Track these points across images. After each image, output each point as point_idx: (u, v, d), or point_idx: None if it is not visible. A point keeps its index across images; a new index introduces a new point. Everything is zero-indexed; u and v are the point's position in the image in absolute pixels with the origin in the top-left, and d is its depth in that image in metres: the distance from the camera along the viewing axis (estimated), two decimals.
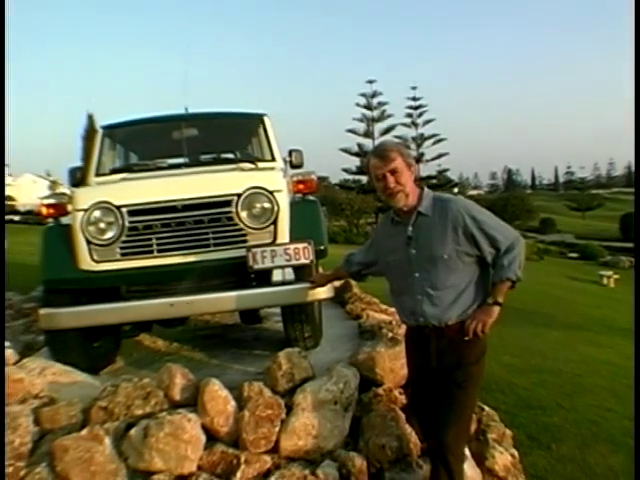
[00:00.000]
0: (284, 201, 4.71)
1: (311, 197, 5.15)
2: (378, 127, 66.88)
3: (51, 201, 4.99)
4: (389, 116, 67.27)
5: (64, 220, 4.86)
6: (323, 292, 4.60)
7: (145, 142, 6.97)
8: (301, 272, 4.60)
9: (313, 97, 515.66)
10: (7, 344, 4.94)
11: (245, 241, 4.61)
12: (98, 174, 5.83)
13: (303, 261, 4.44)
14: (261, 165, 5.65)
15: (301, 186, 5.12)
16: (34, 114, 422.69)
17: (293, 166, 6.00)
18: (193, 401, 3.93)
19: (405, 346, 3.81)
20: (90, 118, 56.18)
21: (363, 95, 67.18)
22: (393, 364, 4.36)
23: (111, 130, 6.34)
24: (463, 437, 3.46)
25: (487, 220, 3.32)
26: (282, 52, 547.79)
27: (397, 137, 65.54)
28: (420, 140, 69.12)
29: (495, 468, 4.08)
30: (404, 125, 69.64)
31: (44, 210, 4.93)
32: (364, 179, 59.99)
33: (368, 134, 66.62)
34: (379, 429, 3.95)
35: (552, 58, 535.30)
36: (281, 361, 4.11)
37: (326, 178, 72.64)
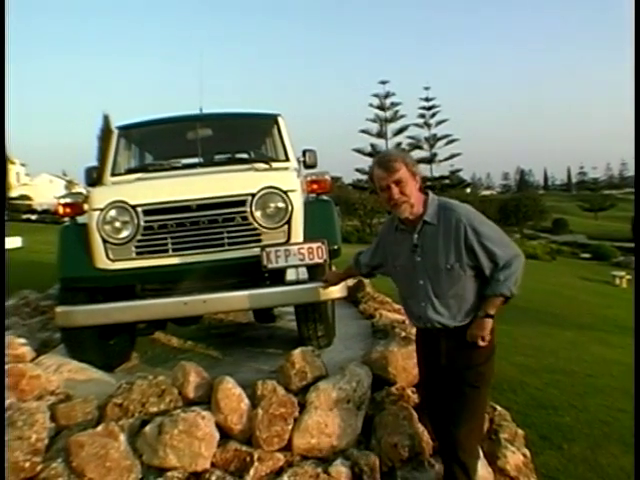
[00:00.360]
0: (298, 201, 4.74)
1: (325, 197, 5.17)
2: (391, 127, 67.05)
3: (67, 200, 5.04)
4: (402, 116, 67.46)
5: (80, 219, 4.91)
6: (336, 291, 4.62)
7: (160, 142, 7.01)
8: (315, 271, 4.62)
9: (327, 97, 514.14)
10: (24, 341, 4.98)
11: (259, 240, 4.63)
12: (114, 174, 5.87)
13: (317, 260, 4.46)
14: (275, 165, 5.67)
15: (315, 186, 5.14)
16: (51, 115, 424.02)
17: (307, 166, 6.01)
18: (207, 399, 3.97)
19: (415, 345, 3.83)
20: (106, 118, 56.50)
21: (376, 96, 67.30)
22: (406, 363, 4.37)
23: (126, 130, 6.39)
24: (476, 435, 3.47)
25: (489, 233, 3.28)
26: (297, 52, 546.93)
27: (410, 137, 65.71)
28: (433, 140, 69.12)
29: (507, 468, 4.07)
30: (417, 125, 69.61)
31: (61, 209, 4.99)
32: None
33: (381, 134, 66.85)
34: (391, 428, 3.97)
35: (565, 57, 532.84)
36: (294, 360, 4.13)
37: (339, 178, 72.54)
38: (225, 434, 3.84)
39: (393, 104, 67.22)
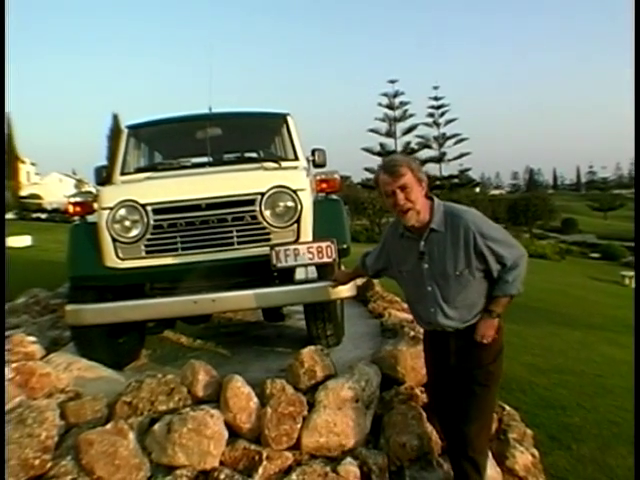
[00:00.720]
0: (307, 200, 4.74)
1: (334, 196, 5.17)
2: (400, 126, 66.86)
3: (77, 199, 5.07)
4: (411, 115, 67.26)
5: (90, 218, 4.93)
6: (345, 290, 4.62)
7: (169, 141, 7.04)
8: (324, 271, 4.63)
9: (336, 96, 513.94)
10: (34, 339, 4.99)
11: (268, 239, 4.64)
12: (123, 173, 5.90)
13: (326, 260, 4.45)
14: (284, 164, 5.68)
15: (324, 185, 5.15)
16: (61, 114, 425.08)
17: (316, 165, 6.01)
18: (216, 397, 3.98)
19: (423, 345, 3.84)
20: (115, 118, 56.77)
21: (385, 95, 67.16)
22: (415, 362, 4.37)
23: (136, 130, 6.41)
24: (485, 433, 3.49)
25: (496, 236, 3.28)
26: (305, 51, 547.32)
27: (419, 136, 65.58)
28: (442, 140, 68.86)
29: (515, 468, 4.07)
30: (426, 125, 69.45)
31: (70, 208, 5.01)
32: None
33: (390, 134, 66.69)
34: (400, 427, 3.97)
35: (575, 56, 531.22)
36: (303, 358, 4.14)
37: (348, 177, 72.59)
38: (234, 433, 3.85)
39: (402, 103, 67.09)
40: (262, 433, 3.79)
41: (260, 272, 4.64)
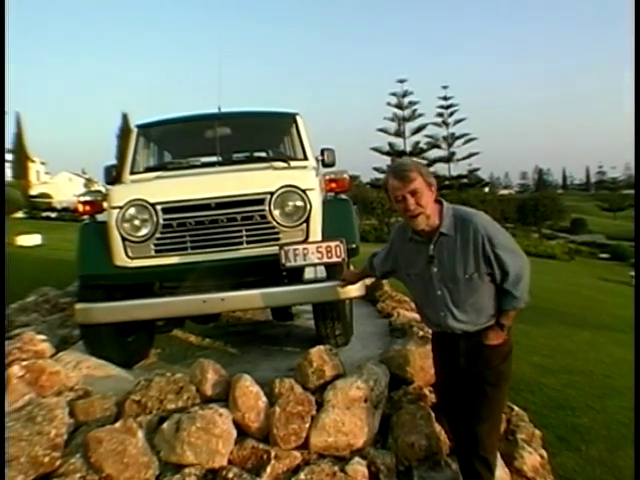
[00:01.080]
0: (316, 199, 4.74)
1: (343, 196, 5.16)
2: (409, 126, 66.78)
3: (87, 198, 5.09)
4: (420, 115, 67.14)
5: (100, 217, 4.95)
6: (354, 290, 4.61)
7: (179, 141, 7.05)
8: (333, 270, 4.63)
9: (345, 96, 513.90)
10: (44, 337, 5.00)
11: (278, 239, 4.64)
12: (133, 172, 5.92)
13: (335, 259, 4.45)
14: (294, 164, 5.69)
15: (333, 185, 5.14)
16: (71, 113, 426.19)
17: (325, 165, 6.02)
18: (225, 396, 3.98)
19: (432, 346, 3.83)
20: (125, 117, 56.85)
21: (394, 94, 67.07)
22: (423, 362, 4.37)
23: (146, 129, 6.43)
24: (495, 433, 3.49)
25: (503, 242, 3.27)
26: (314, 50, 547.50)
27: (428, 136, 65.47)
28: (451, 139, 68.71)
29: (524, 468, 4.06)
30: (435, 124, 69.34)
31: (80, 207, 5.02)
32: None
33: (399, 133, 66.62)
34: (408, 427, 3.97)
35: (584, 56, 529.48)
36: (312, 358, 4.14)
37: (357, 177, 72.42)
38: (242, 432, 3.85)
39: (411, 103, 66.99)
40: (270, 432, 3.79)
41: (269, 271, 4.64)
